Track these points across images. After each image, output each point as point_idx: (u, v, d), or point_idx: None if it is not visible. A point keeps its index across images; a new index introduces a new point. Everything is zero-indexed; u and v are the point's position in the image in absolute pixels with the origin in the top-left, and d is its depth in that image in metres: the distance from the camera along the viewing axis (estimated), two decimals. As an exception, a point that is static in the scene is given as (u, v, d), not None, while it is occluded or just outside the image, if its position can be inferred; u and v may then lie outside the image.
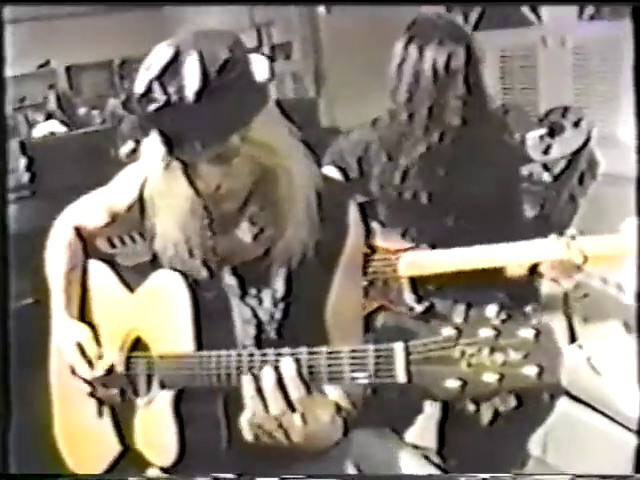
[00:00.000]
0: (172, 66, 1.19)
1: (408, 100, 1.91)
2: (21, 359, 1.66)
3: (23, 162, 3.26)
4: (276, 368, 1.18)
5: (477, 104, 1.90)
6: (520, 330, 1.01)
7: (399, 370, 1.08)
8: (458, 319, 1.05)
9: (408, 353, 1.08)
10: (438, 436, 1.78)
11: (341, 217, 1.37)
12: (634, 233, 1.64)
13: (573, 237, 1.65)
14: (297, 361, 1.17)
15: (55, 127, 3.86)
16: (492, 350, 1.01)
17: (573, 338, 1.99)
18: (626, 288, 2.05)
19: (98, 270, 1.49)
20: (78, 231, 1.55)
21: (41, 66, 4.25)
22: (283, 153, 1.29)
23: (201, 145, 1.20)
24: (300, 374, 1.17)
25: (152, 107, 1.19)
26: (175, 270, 1.35)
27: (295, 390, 1.17)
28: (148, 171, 1.34)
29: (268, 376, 1.18)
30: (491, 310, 1.03)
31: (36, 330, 1.64)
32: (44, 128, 3.88)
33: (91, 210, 1.52)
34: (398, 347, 1.08)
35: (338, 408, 1.20)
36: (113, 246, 1.45)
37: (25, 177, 3.20)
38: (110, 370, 1.43)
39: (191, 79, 1.18)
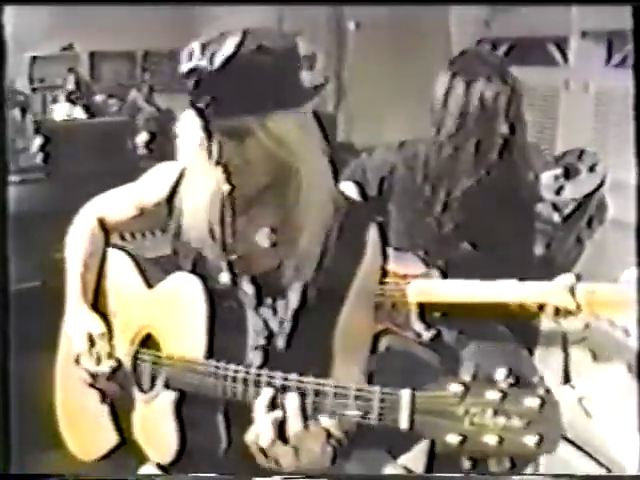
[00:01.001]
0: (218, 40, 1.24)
1: (456, 132, 1.94)
2: (22, 342, 1.66)
3: (37, 142, 3.27)
4: (280, 390, 1.17)
5: (515, 143, 1.94)
6: (526, 398, 1.03)
7: (403, 417, 1.09)
8: (467, 377, 1.07)
9: (414, 402, 1.09)
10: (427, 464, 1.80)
11: (360, 237, 1.38)
12: (634, 284, 1.66)
13: (573, 286, 1.67)
14: (302, 395, 1.17)
15: (72, 111, 3.86)
16: (496, 412, 1.03)
17: (567, 378, 2.01)
18: (632, 332, 2.08)
19: (119, 260, 1.50)
20: (101, 222, 1.56)
21: (64, 49, 4.26)
22: (300, 156, 1.30)
23: (215, 112, 1.23)
24: (303, 409, 1.17)
25: (186, 68, 1.23)
26: (196, 274, 1.37)
27: (293, 425, 1.17)
28: (183, 145, 1.34)
29: (265, 398, 1.17)
30: (500, 373, 1.05)
31: (41, 313, 1.65)
32: (61, 111, 3.88)
33: (119, 203, 1.54)
34: (405, 394, 1.10)
35: (329, 435, 1.21)
36: (134, 238, 1.47)
37: (39, 158, 3.20)
38: (115, 369, 1.44)
39: (226, 48, 1.22)
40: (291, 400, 1.17)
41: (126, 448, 1.48)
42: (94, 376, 1.47)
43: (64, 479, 1.50)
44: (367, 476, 1.46)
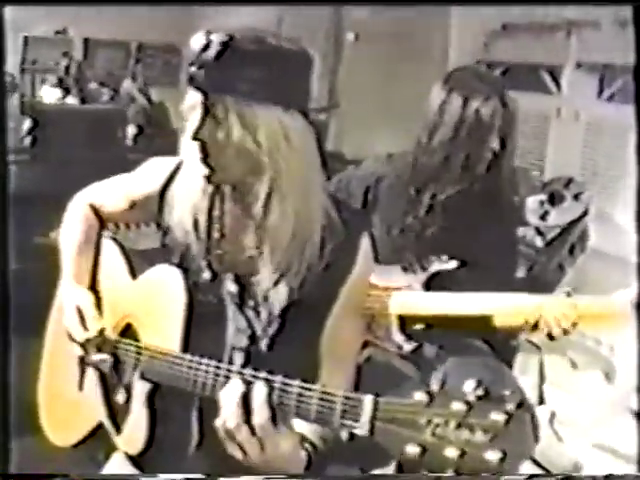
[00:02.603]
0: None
1: (448, 141, 1.96)
2: (18, 324, 1.65)
3: (26, 125, 3.24)
4: (248, 384, 1.17)
5: (503, 160, 1.96)
6: (492, 412, 0.98)
7: (363, 422, 1.07)
8: (435, 386, 1.04)
9: (376, 408, 1.06)
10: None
11: (351, 247, 1.37)
12: (626, 300, 1.67)
13: (569, 294, 1.69)
14: (270, 388, 1.16)
15: (63, 95, 3.83)
16: (459, 425, 0.99)
17: (541, 399, 2.03)
18: (602, 341, 2.11)
19: (109, 249, 1.50)
20: (94, 209, 1.56)
21: (58, 32, 4.23)
22: (282, 157, 1.27)
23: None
24: (269, 401, 1.16)
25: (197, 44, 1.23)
26: (179, 267, 1.36)
27: (258, 416, 1.15)
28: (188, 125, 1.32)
29: (235, 389, 1.17)
30: (469, 385, 1.01)
31: (30, 295, 1.64)
32: (51, 94, 3.85)
33: (111, 194, 1.54)
34: (367, 399, 1.07)
35: (302, 440, 1.21)
36: (128, 228, 1.47)
37: (26, 141, 3.17)
38: (102, 331, 1.44)
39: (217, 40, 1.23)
40: (258, 390, 1.16)
41: (96, 436, 1.48)
42: (85, 348, 1.46)
43: (68, 479, 1.48)
44: (367, 476, 1.45)
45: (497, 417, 0.98)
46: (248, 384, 1.17)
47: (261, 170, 1.28)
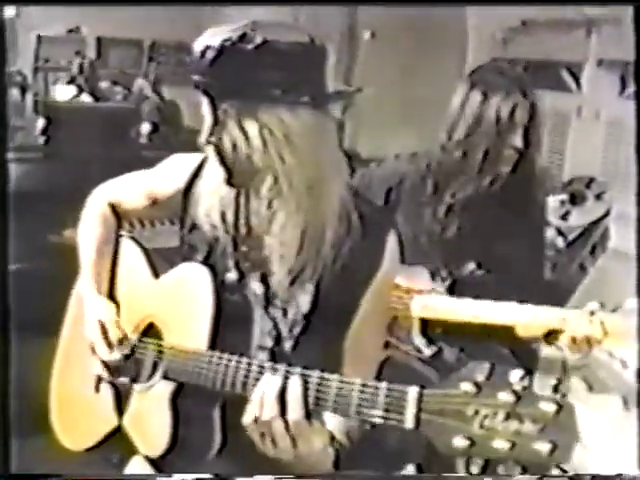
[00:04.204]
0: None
1: (466, 138, 1.93)
2: (19, 324, 1.62)
3: (41, 123, 3.22)
4: (285, 379, 1.16)
5: (529, 160, 1.93)
6: (541, 402, 0.97)
7: (408, 415, 1.04)
8: (480, 376, 1.01)
9: (421, 400, 1.04)
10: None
11: (377, 245, 1.35)
12: (634, 313, 1.65)
13: (593, 312, 1.65)
14: (306, 383, 1.15)
15: (76, 94, 3.82)
16: (508, 416, 0.97)
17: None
18: (629, 364, 2.07)
19: (128, 248, 1.48)
20: (113, 207, 1.53)
21: (70, 31, 4.21)
22: (306, 156, 1.26)
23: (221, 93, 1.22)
24: (305, 397, 1.14)
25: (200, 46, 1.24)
26: (205, 265, 1.34)
27: (293, 411, 1.14)
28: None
29: (273, 385, 1.15)
30: (515, 375, 0.99)
31: (35, 295, 1.61)
32: (64, 92, 3.83)
33: (131, 191, 1.52)
34: (412, 391, 1.05)
35: (332, 438, 1.19)
36: (143, 227, 1.45)
37: (40, 140, 3.16)
38: (128, 356, 1.41)
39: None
40: (294, 382, 1.14)
41: (111, 441, 1.45)
42: (109, 368, 1.44)
43: (63, 479, 1.46)
44: (367, 476, 1.42)
45: (547, 407, 0.96)
46: (285, 379, 1.16)
47: (259, 173, 1.27)
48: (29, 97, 3.75)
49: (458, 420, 0.99)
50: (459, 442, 0.99)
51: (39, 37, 4.08)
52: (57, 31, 4.15)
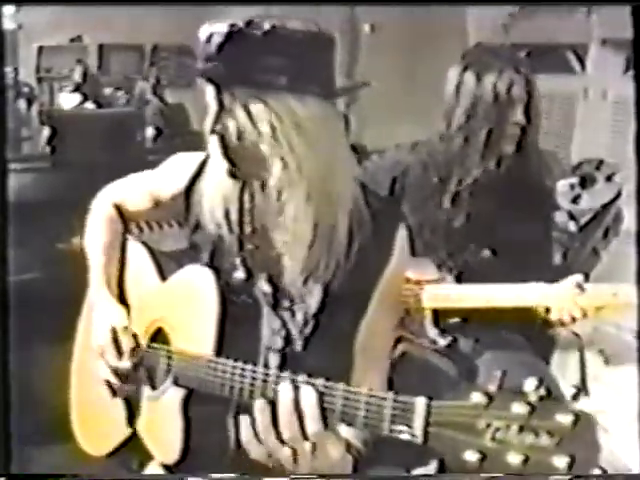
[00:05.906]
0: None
1: (466, 123, 1.91)
2: (22, 335, 1.62)
3: (46, 132, 3.22)
4: (296, 388, 1.09)
5: (533, 135, 1.90)
6: (558, 413, 0.90)
7: (416, 428, 0.99)
8: (492, 386, 0.95)
9: (429, 412, 0.98)
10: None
11: (386, 239, 1.32)
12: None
13: (581, 285, 1.64)
14: (318, 392, 1.08)
15: (81, 101, 3.82)
16: (522, 429, 0.91)
17: (585, 389, 1.97)
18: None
19: (135, 251, 1.46)
20: (118, 209, 1.52)
21: (72, 40, 4.22)
22: (312, 147, 1.23)
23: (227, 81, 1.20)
24: (321, 405, 1.08)
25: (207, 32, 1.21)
26: (209, 266, 1.32)
27: (313, 422, 1.08)
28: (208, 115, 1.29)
29: (286, 396, 1.09)
30: (530, 384, 0.93)
31: (42, 305, 1.61)
32: (69, 101, 3.84)
33: (134, 192, 1.50)
34: (419, 403, 0.99)
35: (349, 446, 1.15)
36: (151, 229, 1.43)
37: (47, 150, 3.16)
38: (138, 363, 1.39)
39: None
40: (307, 392, 1.08)
41: (130, 446, 1.44)
42: (118, 375, 1.42)
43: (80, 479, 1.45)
44: (367, 476, 1.40)
45: (563, 419, 0.90)
46: (295, 389, 1.10)
47: (268, 163, 1.24)
48: (35, 107, 3.76)
49: (468, 433, 0.94)
50: (470, 456, 0.93)
51: (41, 48, 4.09)
52: (59, 40, 4.16)
